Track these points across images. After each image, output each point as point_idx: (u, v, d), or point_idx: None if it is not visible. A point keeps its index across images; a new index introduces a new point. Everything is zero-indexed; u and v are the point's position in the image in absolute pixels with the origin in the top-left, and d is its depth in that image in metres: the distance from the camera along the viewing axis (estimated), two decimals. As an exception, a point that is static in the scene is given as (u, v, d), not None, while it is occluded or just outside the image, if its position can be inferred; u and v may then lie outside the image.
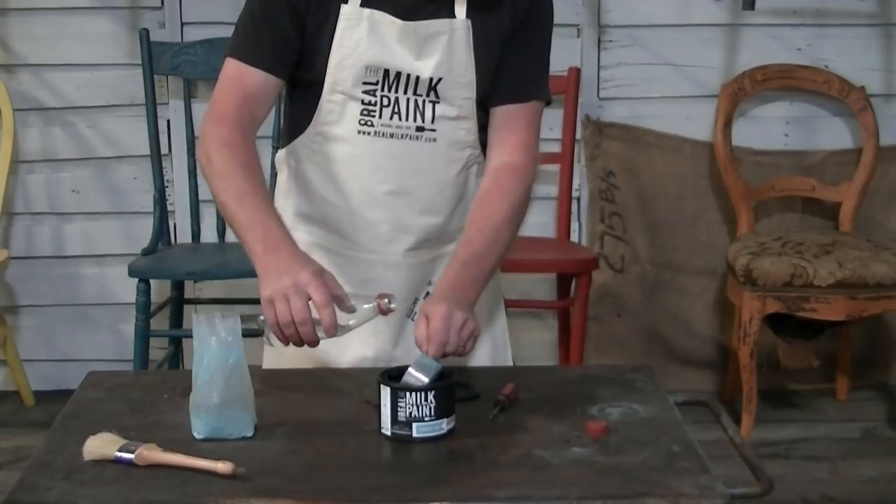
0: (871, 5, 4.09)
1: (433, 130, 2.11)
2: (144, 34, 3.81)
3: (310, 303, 1.87)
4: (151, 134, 3.84)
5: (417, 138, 2.11)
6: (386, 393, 1.83)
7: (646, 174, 4.14)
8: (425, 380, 1.84)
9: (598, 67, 4.09)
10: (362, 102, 2.08)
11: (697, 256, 4.17)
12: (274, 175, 2.36)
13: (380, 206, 2.12)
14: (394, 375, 1.87)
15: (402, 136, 2.10)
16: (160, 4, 3.99)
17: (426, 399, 1.81)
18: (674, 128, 4.14)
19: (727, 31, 4.11)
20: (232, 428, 1.81)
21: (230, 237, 3.91)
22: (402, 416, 1.82)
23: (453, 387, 1.87)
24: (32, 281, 4.16)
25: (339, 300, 1.90)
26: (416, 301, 2.17)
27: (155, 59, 3.82)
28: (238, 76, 2.08)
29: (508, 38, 2.12)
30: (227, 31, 4.23)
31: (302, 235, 2.14)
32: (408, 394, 1.81)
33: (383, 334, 2.15)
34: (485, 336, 2.19)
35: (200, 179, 3.88)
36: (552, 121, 3.78)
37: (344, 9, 2.06)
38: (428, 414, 1.81)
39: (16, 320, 4.18)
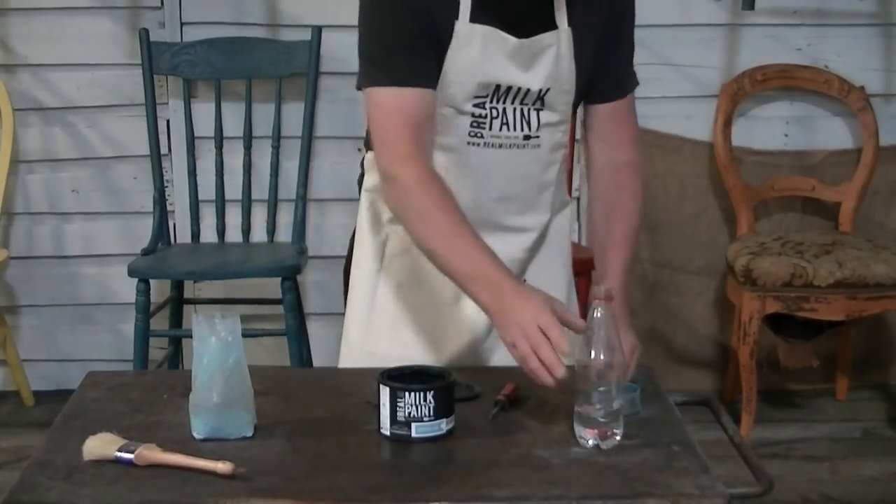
0: (871, 5, 4.09)
1: (538, 137, 2.14)
2: (144, 34, 3.81)
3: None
4: (151, 134, 3.84)
5: (524, 146, 2.14)
6: (385, 393, 1.83)
7: (645, 174, 4.06)
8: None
9: (598, 67, 4.09)
10: (472, 116, 2.10)
11: (697, 256, 4.17)
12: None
13: (485, 210, 2.15)
14: (393, 375, 1.87)
15: (510, 145, 2.13)
16: (160, 4, 3.99)
17: (425, 399, 1.81)
18: (674, 128, 4.14)
19: (727, 31, 4.11)
20: (232, 428, 1.81)
21: (230, 237, 3.92)
22: (401, 416, 1.82)
23: (452, 387, 1.87)
24: (32, 281, 4.16)
25: (567, 322, 1.89)
26: None
27: (155, 58, 3.82)
28: (397, 104, 2.02)
29: (602, 39, 2.14)
30: (227, 31, 4.26)
31: (403, 235, 2.14)
32: (407, 394, 1.81)
33: (480, 327, 2.17)
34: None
35: (200, 179, 3.90)
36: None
37: (457, 25, 2.04)
38: (427, 414, 1.81)
39: (16, 320, 4.18)
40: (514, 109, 2.11)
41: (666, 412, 1.94)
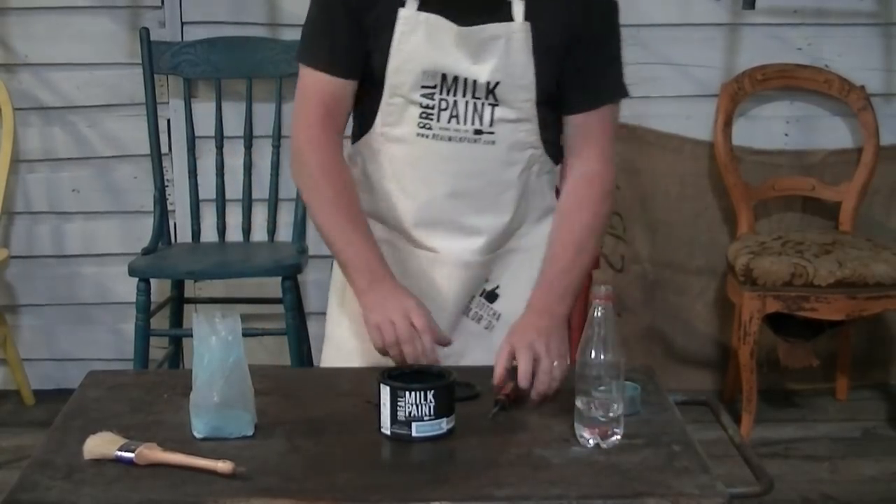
0: (872, 5, 4.09)
1: (491, 133, 2.12)
2: (144, 33, 3.81)
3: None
4: (151, 133, 3.83)
5: (475, 141, 2.12)
6: (385, 392, 1.83)
7: (646, 174, 4.14)
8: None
9: (599, 67, 4.08)
10: (421, 106, 2.10)
11: (697, 256, 4.16)
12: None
13: (439, 207, 2.14)
14: (393, 375, 1.87)
15: (459, 139, 2.12)
16: (160, 4, 3.99)
17: (425, 399, 1.81)
18: (674, 127, 4.13)
19: (727, 31, 4.10)
20: (232, 427, 1.81)
21: (230, 236, 3.92)
22: (401, 415, 1.82)
23: (453, 386, 1.87)
24: (32, 280, 4.16)
25: (434, 332, 2.00)
26: (472, 299, 2.20)
27: (155, 58, 3.82)
28: (314, 85, 2.13)
29: (571, 41, 2.11)
30: (228, 31, 4.26)
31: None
32: (407, 393, 1.81)
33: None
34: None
35: (200, 179, 3.89)
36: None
37: (402, 12, 2.07)
38: (427, 413, 1.81)
39: (16, 319, 4.18)
40: (466, 103, 2.10)
41: (666, 412, 1.94)
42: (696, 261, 4.16)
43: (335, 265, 2.24)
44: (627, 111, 4.10)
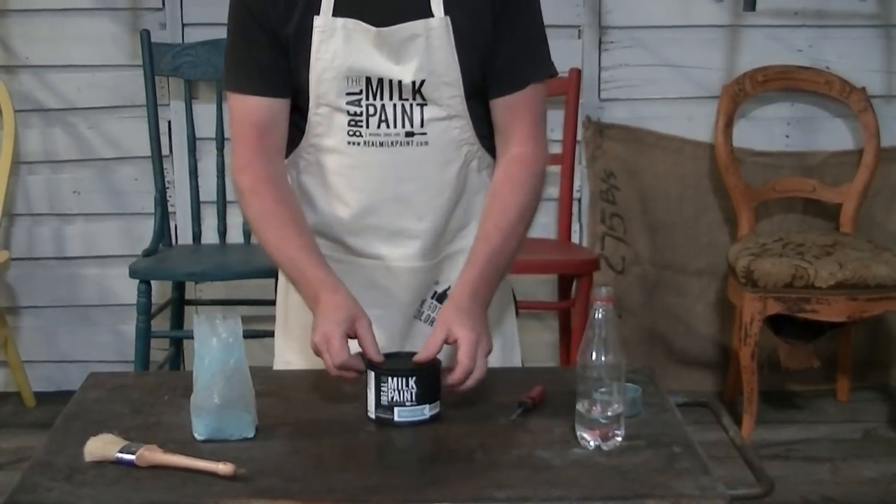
0: (872, 6, 4.09)
1: (423, 134, 2.08)
2: (145, 35, 3.81)
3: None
4: (152, 135, 3.84)
5: (408, 144, 2.08)
6: (371, 377, 1.86)
7: (647, 175, 4.14)
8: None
9: (599, 68, 4.09)
10: (348, 113, 2.06)
11: (698, 257, 4.17)
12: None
13: (378, 213, 2.11)
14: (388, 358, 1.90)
15: (391, 143, 2.08)
16: (161, 6, 3.99)
17: (407, 385, 1.84)
18: (674, 129, 4.14)
19: (728, 32, 4.11)
20: (233, 429, 1.81)
21: (231, 238, 3.92)
22: (384, 400, 1.85)
23: (437, 373, 1.88)
24: (33, 282, 4.16)
25: (363, 345, 1.94)
26: (423, 302, 2.18)
27: (156, 60, 3.82)
28: (243, 110, 2.08)
29: (492, 26, 2.06)
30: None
31: None
32: (390, 378, 1.85)
33: (390, 333, 2.15)
34: (495, 335, 2.19)
35: (201, 180, 3.90)
36: (553, 122, 3.78)
37: (317, 20, 2.03)
38: (409, 399, 1.85)
39: (17, 321, 4.18)
40: (395, 105, 2.06)
41: (667, 413, 1.94)
42: (697, 262, 4.16)
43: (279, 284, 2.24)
44: (628, 112, 4.12)
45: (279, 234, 2.05)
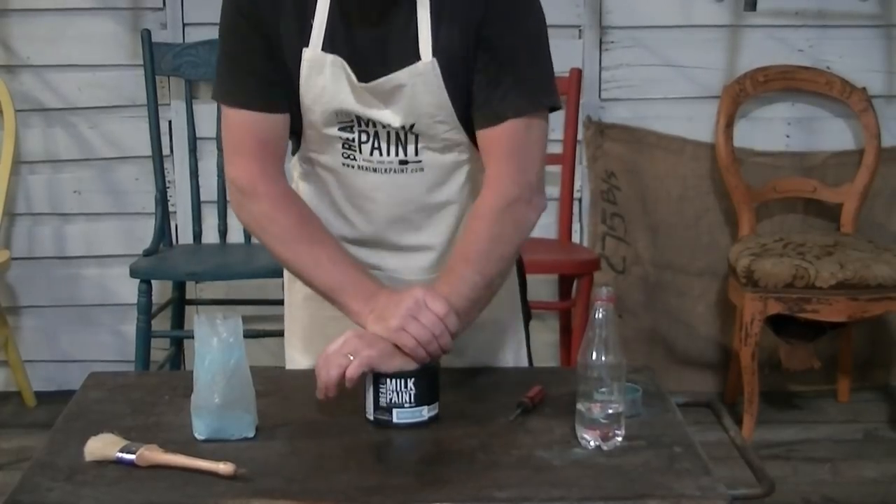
0: (873, 6, 4.09)
1: (418, 162, 2.01)
2: (146, 35, 3.81)
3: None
4: (153, 135, 3.84)
5: (402, 171, 2.01)
6: (369, 378, 1.86)
7: (647, 175, 4.14)
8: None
9: (600, 68, 4.09)
10: (341, 139, 2.00)
11: (699, 257, 4.17)
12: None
13: (376, 231, 2.08)
14: None
15: (385, 170, 2.01)
16: (162, 5, 3.99)
17: (406, 386, 1.84)
18: (675, 129, 4.14)
19: (729, 33, 4.11)
20: (233, 429, 1.81)
21: (231, 238, 3.92)
22: (383, 401, 1.85)
23: (435, 375, 1.88)
24: (34, 282, 4.16)
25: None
26: None
27: (157, 59, 3.82)
28: (243, 124, 1.99)
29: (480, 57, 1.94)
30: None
31: None
32: (388, 380, 1.84)
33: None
34: (504, 337, 2.18)
35: (202, 180, 3.90)
36: (554, 122, 3.78)
37: (306, 53, 1.95)
38: (408, 401, 1.84)
39: (17, 321, 4.18)
40: (389, 133, 1.97)
41: (667, 413, 1.94)
42: (698, 262, 4.16)
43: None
44: (629, 112, 4.12)
45: (313, 248, 1.98)
